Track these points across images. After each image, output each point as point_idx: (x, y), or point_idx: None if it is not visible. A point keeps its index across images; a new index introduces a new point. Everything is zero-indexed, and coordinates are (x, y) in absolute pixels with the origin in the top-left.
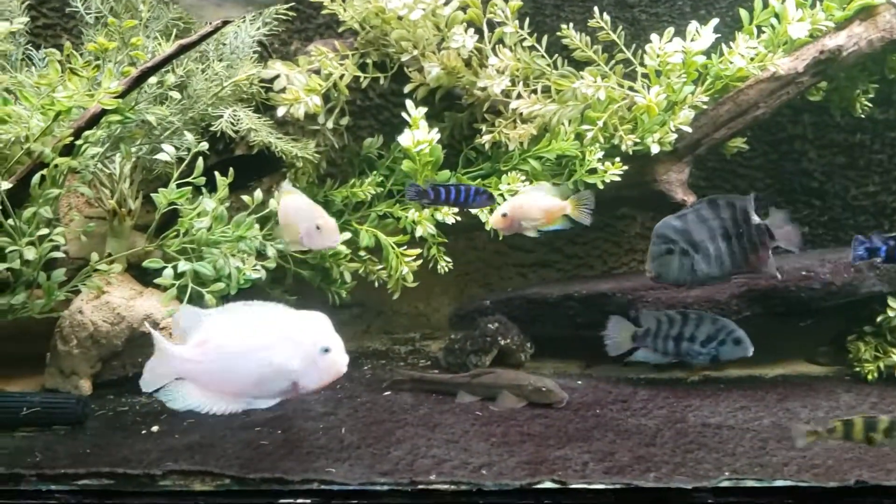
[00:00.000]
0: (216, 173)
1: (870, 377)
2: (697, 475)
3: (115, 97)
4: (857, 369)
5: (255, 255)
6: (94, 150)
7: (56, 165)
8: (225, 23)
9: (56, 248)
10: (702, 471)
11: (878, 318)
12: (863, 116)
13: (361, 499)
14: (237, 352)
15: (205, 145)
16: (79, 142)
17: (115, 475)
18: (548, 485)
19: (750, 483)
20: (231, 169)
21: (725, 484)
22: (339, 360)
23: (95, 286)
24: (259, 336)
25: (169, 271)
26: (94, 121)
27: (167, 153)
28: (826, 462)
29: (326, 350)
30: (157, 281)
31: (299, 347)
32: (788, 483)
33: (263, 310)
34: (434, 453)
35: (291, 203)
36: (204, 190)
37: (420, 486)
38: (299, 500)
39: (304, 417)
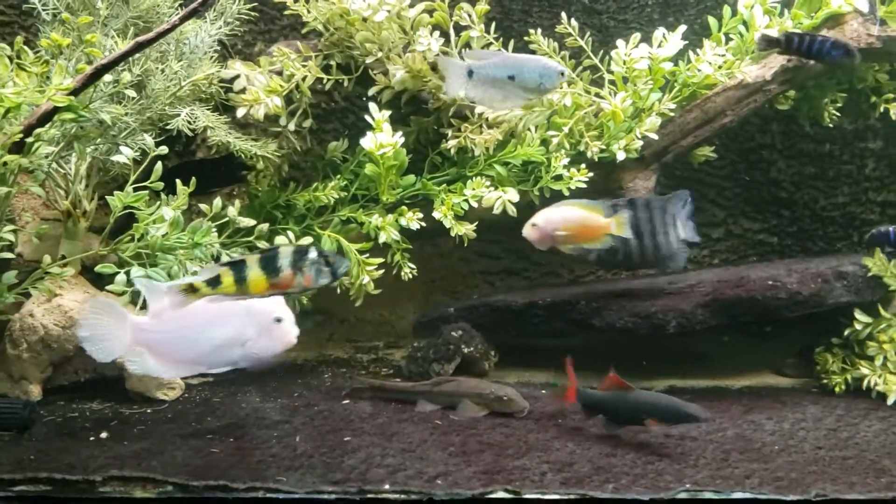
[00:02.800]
0: (177, 181)
1: (837, 389)
2: (657, 487)
3: (69, 94)
4: (825, 381)
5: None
6: (48, 148)
7: (5, 163)
8: (182, 20)
9: (8, 247)
10: (662, 482)
11: (846, 331)
12: (831, 126)
13: None
14: (194, 323)
15: (164, 149)
16: (30, 139)
17: (53, 481)
18: (501, 494)
19: (708, 495)
20: (193, 179)
21: (683, 496)
22: (290, 331)
23: (46, 289)
24: (215, 307)
25: (122, 277)
26: (46, 118)
27: (124, 155)
28: (789, 475)
29: (279, 320)
30: (108, 288)
31: (253, 317)
32: (747, 496)
33: None
34: (389, 462)
35: None
36: (162, 195)
37: (369, 496)
38: None
39: (259, 425)
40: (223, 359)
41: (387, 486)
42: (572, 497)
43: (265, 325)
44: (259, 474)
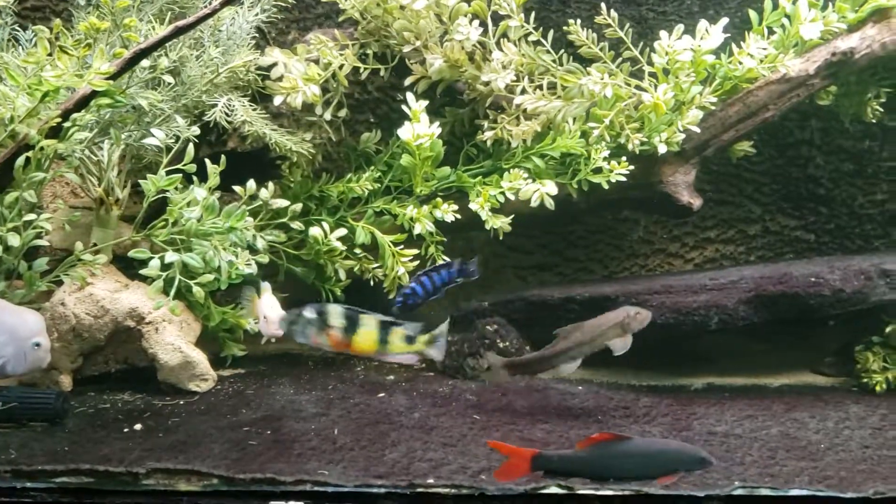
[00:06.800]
0: (207, 161)
1: (878, 388)
2: (706, 484)
3: (107, 79)
4: (865, 380)
5: (247, 249)
6: (82, 134)
7: (42, 148)
8: (222, 5)
9: (40, 235)
10: (710, 480)
11: (888, 329)
12: (873, 122)
13: (356, 501)
14: None
15: (196, 131)
16: (66, 124)
17: (95, 473)
18: (553, 490)
19: (764, 492)
20: (223, 157)
21: (739, 492)
22: (44, 357)
23: (79, 277)
24: None
25: (156, 262)
26: (83, 103)
27: (157, 138)
28: (839, 473)
29: (38, 345)
30: (143, 272)
31: (15, 337)
32: (804, 492)
33: None
34: (431, 457)
35: None
36: (195, 179)
37: (419, 490)
38: (291, 502)
39: (295, 418)
40: None
41: (431, 480)
42: (627, 493)
43: (24, 348)
44: (300, 467)
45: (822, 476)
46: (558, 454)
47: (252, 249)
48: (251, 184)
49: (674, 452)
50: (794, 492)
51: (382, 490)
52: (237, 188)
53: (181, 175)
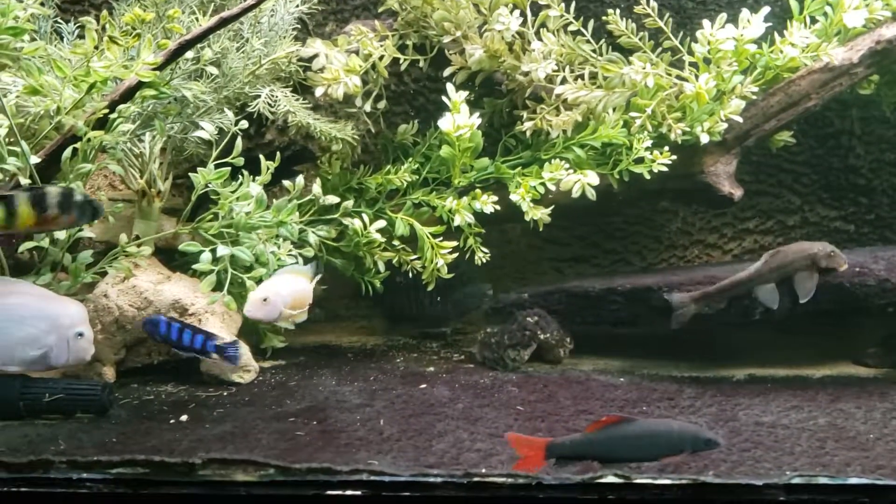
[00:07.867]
0: (261, 157)
1: None
2: (758, 473)
3: (153, 69)
4: None
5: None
6: (126, 126)
7: (89, 139)
8: None
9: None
10: (762, 469)
11: None
12: None
13: (413, 491)
14: None
15: (244, 124)
16: (112, 115)
17: (151, 464)
18: (611, 479)
19: (822, 480)
20: (278, 153)
21: (797, 481)
22: (88, 347)
23: (124, 268)
24: (21, 308)
25: (207, 255)
26: (128, 94)
27: (207, 130)
28: (891, 462)
29: (80, 335)
30: (195, 266)
31: (57, 326)
32: (864, 481)
33: (26, 287)
34: (479, 447)
35: None
36: (244, 172)
37: (476, 479)
38: (348, 492)
39: (340, 409)
40: (20, 358)
41: (483, 470)
42: (684, 482)
43: (67, 336)
44: (350, 458)
45: (875, 465)
46: (570, 440)
47: (297, 243)
48: (300, 179)
49: (678, 433)
50: (853, 480)
51: (439, 479)
52: (286, 183)
53: (229, 169)
